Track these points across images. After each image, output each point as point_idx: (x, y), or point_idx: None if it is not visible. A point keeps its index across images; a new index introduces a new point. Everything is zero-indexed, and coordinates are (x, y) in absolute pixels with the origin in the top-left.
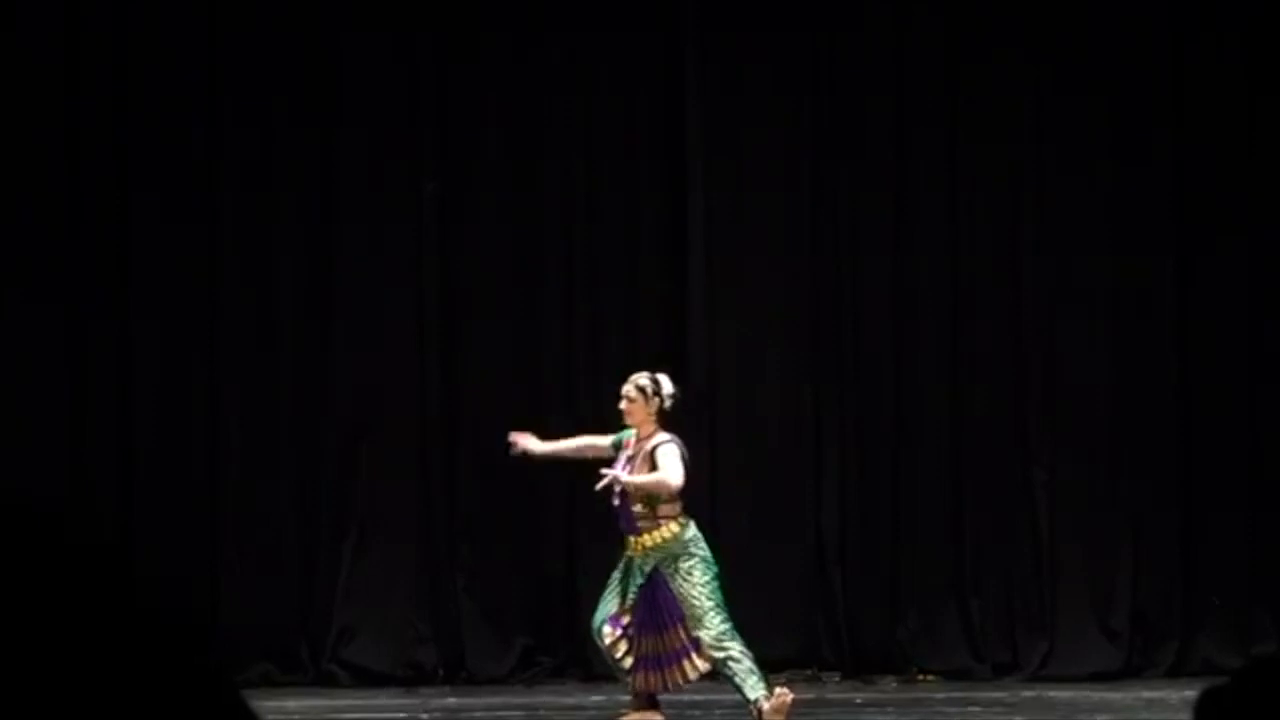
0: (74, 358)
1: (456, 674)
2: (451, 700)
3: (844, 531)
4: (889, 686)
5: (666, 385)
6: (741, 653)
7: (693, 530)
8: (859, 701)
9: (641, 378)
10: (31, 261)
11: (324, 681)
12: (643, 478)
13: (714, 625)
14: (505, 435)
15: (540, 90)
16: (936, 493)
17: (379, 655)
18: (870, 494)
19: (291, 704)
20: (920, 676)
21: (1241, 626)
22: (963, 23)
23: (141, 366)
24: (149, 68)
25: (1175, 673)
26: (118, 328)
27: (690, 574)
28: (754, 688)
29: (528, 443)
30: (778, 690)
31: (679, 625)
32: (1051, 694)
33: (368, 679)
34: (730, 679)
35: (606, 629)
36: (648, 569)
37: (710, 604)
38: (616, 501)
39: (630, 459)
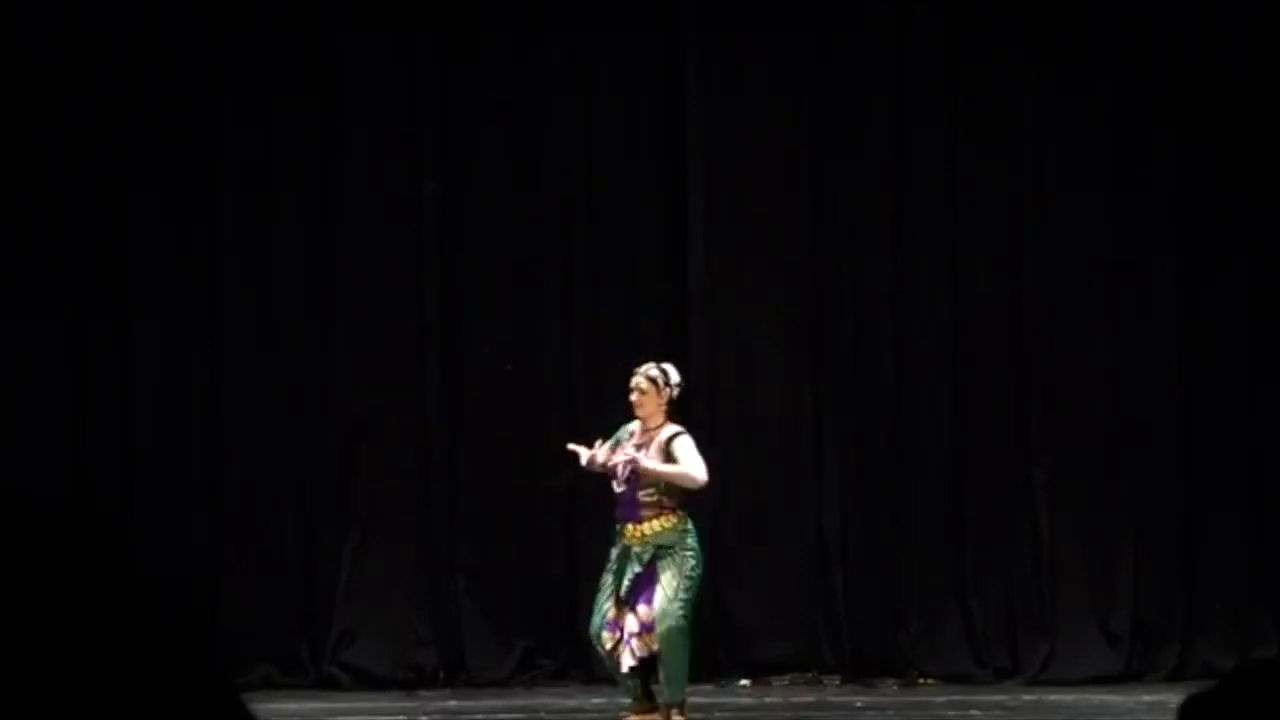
0: (74, 358)
1: (457, 676)
2: (452, 703)
3: (844, 533)
4: (889, 689)
5: (674, 375)
6: (683, 653)
7: (691, 526)
8: (859, 705)
9: (651, 369)
10: (32, 261)
11: (325, 684)
12: (666, 466)
13: (674, 615)
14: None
15: (540, 90)
16: (937, 494)
17: (379, 658)
18: (870, 495)
19: (292, 707)
20: (920, 680)
21: (1242, 629)
22: (963, 23)
23: (141, 366)
24: (149, 68)
25: (1176, 676)
26: (118, 328)
27: (682, 563)
28: (675, 692)
29: (595, 453)
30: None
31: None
32: (1052, 698)
33: (368, 681)
34: (662, 669)
35: (605, 634)
36: (646, 558)
37: (684, 596)
38: (622, 487)
39: (640, 448)
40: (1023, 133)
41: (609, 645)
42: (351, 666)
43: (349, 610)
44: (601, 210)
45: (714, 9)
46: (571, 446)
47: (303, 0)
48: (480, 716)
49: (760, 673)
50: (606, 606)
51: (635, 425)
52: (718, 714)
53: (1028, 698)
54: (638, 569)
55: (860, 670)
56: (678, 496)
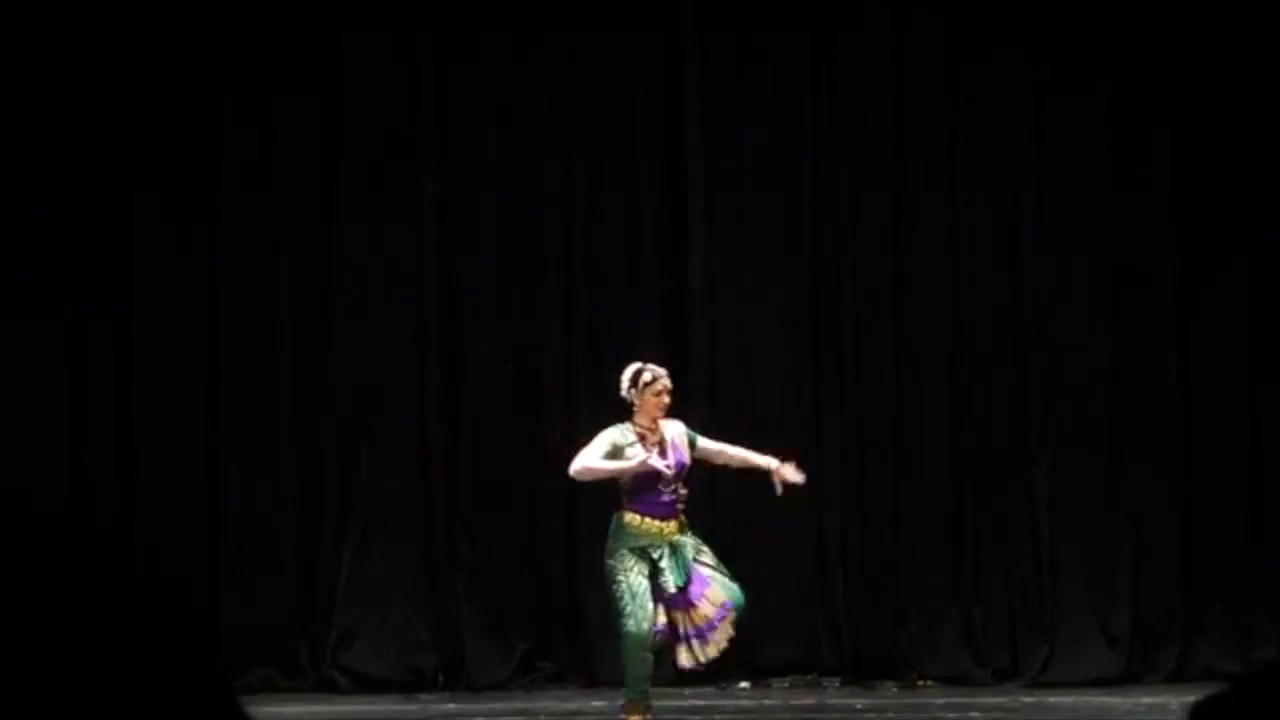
0: (74, 358)
1: (457, 679)
2: (451, 706)
3: (844, 533)
4: (889, 692)
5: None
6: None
7: None
8: (859, 707)
9: (661, 369)
10: (32, 261)
11: (324, 687)
12: (755, 455)
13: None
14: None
15: (540, 90)
16: (936, 494)
17: (379, 660)
18: (870, 495)
19: (291, 709)
20: (920, 682)
21: (1242, 630)
22: (963, 23)
23: (141, 366)
24: (149, 68)
25: (1176, 678)
26: (118, 328)
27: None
28: (639, 691)
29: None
30: None
31: (705, 599)
32: (1052, 699)
33: (368, 684)
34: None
35: (659, 637)
36: (689, 551)
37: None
38: (671, 485)
39: (656, 446)
40: (1023, 133)
41: (660, 643)
42: (351, 669)
43: (349, 611)
44: (601, 210)
45: (714, 9)
46: (652, 462)
47: (303, 0)
48: (480, 719)
49: (760, 675)
50: (650, 606)
51: (624, 428)
52: (717, 716)
53: (1027, 699)
54: (682, 561)
55: (860, 672)
56: None
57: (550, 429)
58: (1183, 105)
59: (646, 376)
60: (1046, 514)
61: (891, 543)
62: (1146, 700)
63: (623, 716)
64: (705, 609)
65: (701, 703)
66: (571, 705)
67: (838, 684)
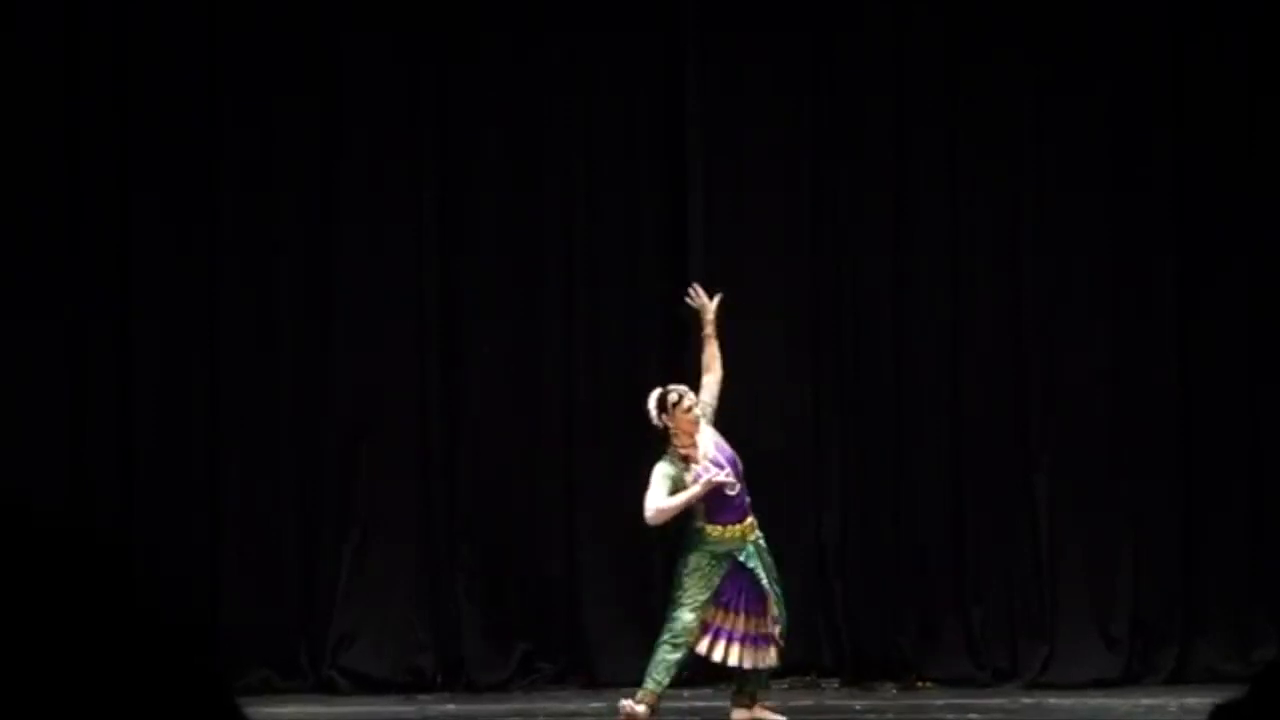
0: (74, 358)
1: (456, 680)
2: (451, 707)
3: (844, 534)
4: (888, 693)
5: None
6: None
7: None
8: (858, 708)
9: (679, 386)
10: (32, 261)
11: (323, 688)
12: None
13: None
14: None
15: (540, 90)
16: (937, 495)
17: (378, 661)
18: (870, 495)
19: (290, 710)
20: (919, 683)
21: (1242, 632)
22: (963, 23)
23: (141, 366)
24: (149, 68)
25: (1175, 679)
26: (118, 328)
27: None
28: (658, 682)
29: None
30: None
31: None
32: (1051, 701)
33: (367, 685)
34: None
35: (704, 640)
36: (765, 555)
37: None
38: (736, 489)
39: (714, 462)
40: (1023, 133)
41: (705, 648)
42: (350, 670)
43: (348, 611)
44: (601, 210)
45: (714, 9)
46: (717, 480)
47: (303, 0)
48: None
49: None
50: (698, 632)
51: (669, 458)
52: (716, 717)
53: (1027, 700)
54: (758, 562)
55: (859, 673)
56: None
57: (550, 429)
58: (1183, 105)
59: (672, 398)
60: (1046, 514)
61: (891, 543)
62: (1145, 701)
63: (633, 700)
64: (768, 621)
65: (701, 704)
66: (571, 706)
67: (836, 685)
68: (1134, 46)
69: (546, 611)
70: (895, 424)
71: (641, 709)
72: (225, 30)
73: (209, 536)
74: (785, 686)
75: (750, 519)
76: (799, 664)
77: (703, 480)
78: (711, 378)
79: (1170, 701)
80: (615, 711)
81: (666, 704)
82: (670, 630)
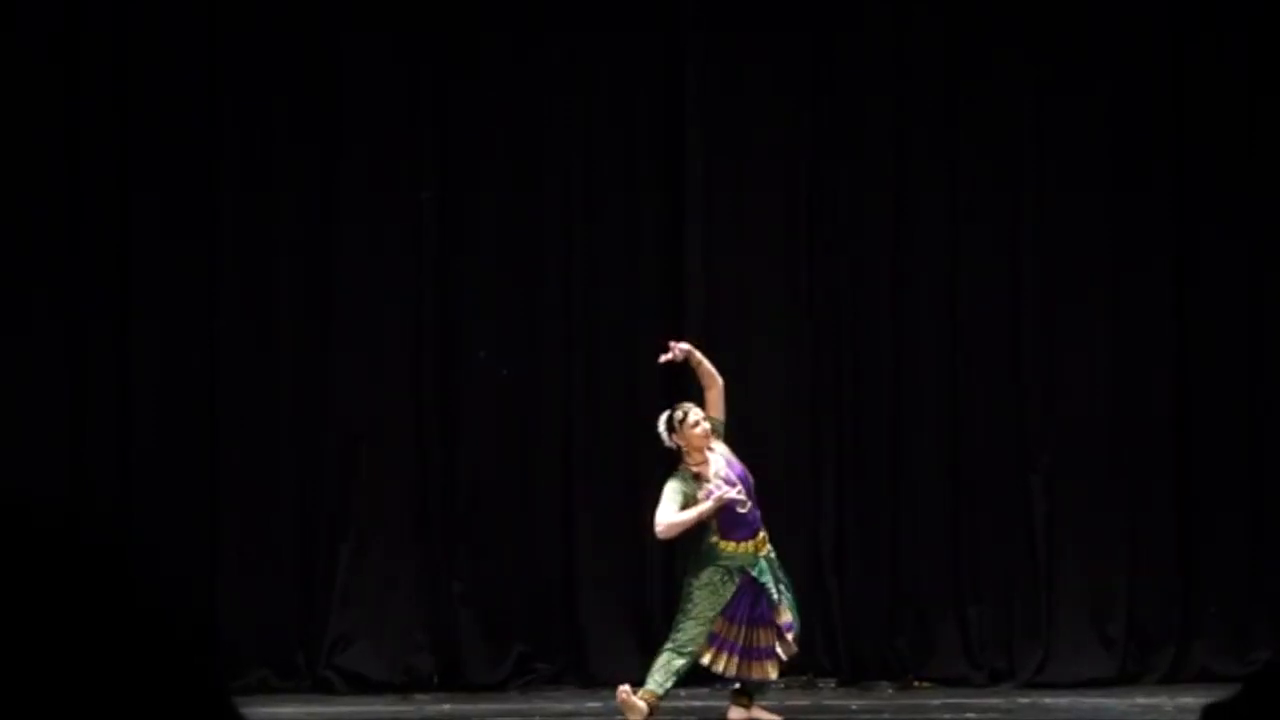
0: (74, 358)
1: (453, 680)
2: (448, 707)
3: (841, 534)
4: (885, 693)
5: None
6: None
7: None
8: (854, 708)
9: (686, 404)
10: (32, 261)
11: (320, 688)
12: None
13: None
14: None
15: (540, 90)
16: (935, 496)
17: (375, 662)
18: (868, 496)
19: (289, 710)
20: (916, 683)
21: (1239, 632)
22: (963, 23)
23: (141, 366)
24: (149, 68)
25: (1171, 679)
26: (118, 328)
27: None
28: (660, 684)
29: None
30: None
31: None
32: (1047, 701)
33: (364, 685)
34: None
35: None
36: (777, 569)
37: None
38: (747, 505)
39: (726, 480)
40: (1023, 133)
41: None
42: (347, 671)
43: (346, 612)
44: (601, 210)
45: (714, 9)
46: (728, 497)
47: (303, 0)
48: None
49: None
50: (703, 645)
51: (681, 474)
52: (714, 717)
53: (1023, 700)
54: (770, 578)
55: (856, 673)
56: None
57: (549, 431)
58: (1183, 105)
59: (679, 415)
60: (1044, 515)
61: (888, 543)
62: (1142, 701)
63: (636, 697)
64: (771, 635)
65: (698, 704)
66: (567, 706)
67: (833, 685)
68: (1134, 46)
69: (543, 612)
70: (893, 424)
71: (641, 704)
72: (225, 30)
73: (208, 537)
74: (782, 686)
75: (762, 534)
76: (796, 664)
77: (714, 496)
78: (714, 393)
79: (1166, 701)
80: (614, 713)
81: (666, 704)
82: (675, 640)
